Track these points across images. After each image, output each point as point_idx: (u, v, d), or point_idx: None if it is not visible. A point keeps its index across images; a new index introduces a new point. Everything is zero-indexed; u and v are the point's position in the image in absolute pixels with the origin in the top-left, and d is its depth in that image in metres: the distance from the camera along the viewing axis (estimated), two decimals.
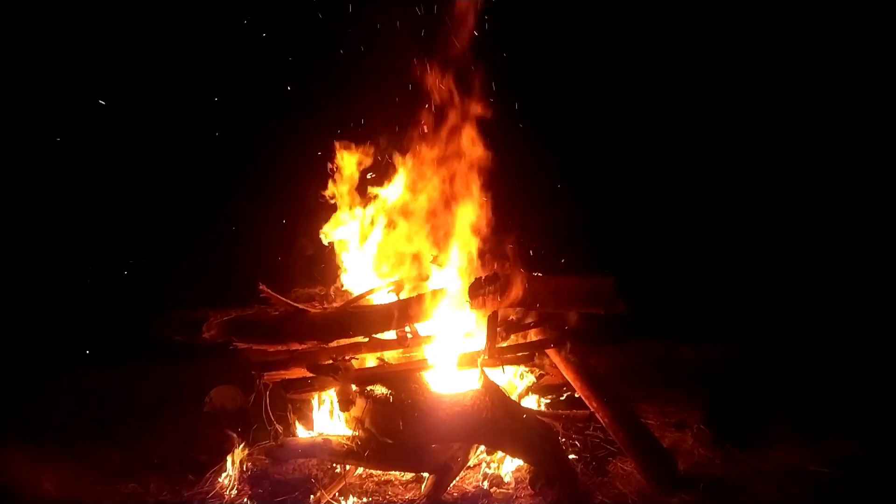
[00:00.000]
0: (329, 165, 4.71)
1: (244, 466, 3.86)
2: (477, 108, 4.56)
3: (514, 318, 4.09)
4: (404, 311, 3.87)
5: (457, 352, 3.89)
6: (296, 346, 3.87)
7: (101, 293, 6.46)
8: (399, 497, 3.74)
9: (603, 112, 7.24)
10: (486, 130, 4.54)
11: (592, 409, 3.85)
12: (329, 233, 4.71)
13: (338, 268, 4.69)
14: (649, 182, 7.28)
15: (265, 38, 6.50)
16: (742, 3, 7.29)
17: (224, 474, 3.85)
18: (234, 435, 4.10)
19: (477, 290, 3.77)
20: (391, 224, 4.62)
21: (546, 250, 4.10)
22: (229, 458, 3.89)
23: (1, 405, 4.80)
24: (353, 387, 3.77)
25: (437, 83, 4.58)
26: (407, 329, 3.98)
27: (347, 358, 3.90)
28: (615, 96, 7.30)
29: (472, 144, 4.48)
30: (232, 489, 3.75)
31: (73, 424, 4.62)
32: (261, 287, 3.86)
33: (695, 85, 7.37)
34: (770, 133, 7.37)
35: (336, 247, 4.72)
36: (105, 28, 6.69)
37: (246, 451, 3.93)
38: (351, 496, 3.71)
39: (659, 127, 7.41)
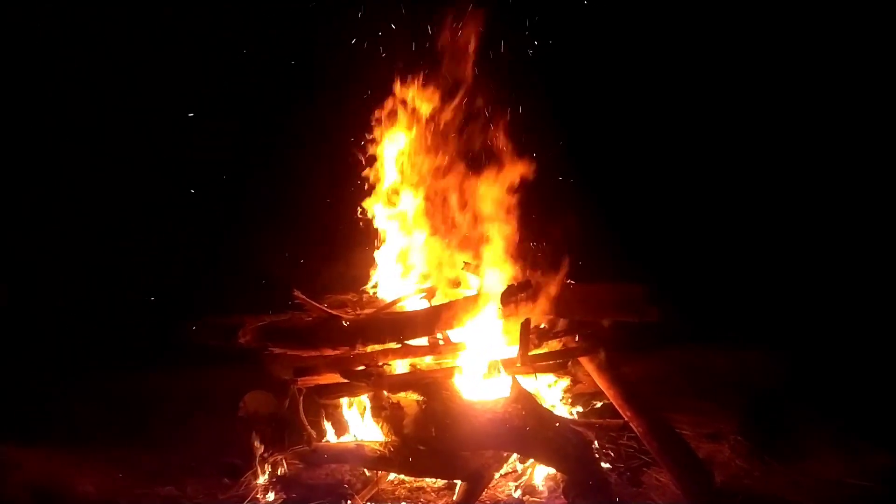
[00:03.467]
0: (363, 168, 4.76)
1: (278, 471, 3.91)
2: (508, 116, 4.57)
3: (545, 325, 4.08)
4: (436, 318, 3.88)
5: (489, 359, 3.89)
6: (329, 352, 3.91)
7: (139, 299, 6.56)
8: None
9: (634, 116, 7.19)
10: (517, 137, 4.54)
11: (626, 419, 3.81)
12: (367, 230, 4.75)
13: (370, 274, 4.73)
14: (683, 187, 7.19)
15: (288, 30, 6.50)
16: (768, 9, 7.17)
17: (258, 479, 3.89)
18: (268, 440, 4.13)
19: (509, 297, 3.79)
20: (423, 231, 4.64)
21: (578, 257, 4.07)
22: (263, 463, 3.93)
23: (44, 409, 4.91)
24: (386, 393, 3.80)
25: (469, 88, 4.60)
26: (439, 335, 3.99)
27: (380, 364, 3.92)
28: (646, 99, 7.24)
29: (503, 152, 4.49)
30: (266, 493, 3.79)
31: (111, 427, 4.70)
32: (295, 293, 3.90)
33: (728, 87, 7.28)
34: (811, 137, 7.22)
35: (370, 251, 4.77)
36: (131, 28, 6.80)
37: (280, 456, 3.97)
38: (383, 502, 3.72)
39: (692, 132, 7.33)
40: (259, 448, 3.95)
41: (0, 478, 3.72)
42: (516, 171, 4.36)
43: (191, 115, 6.67)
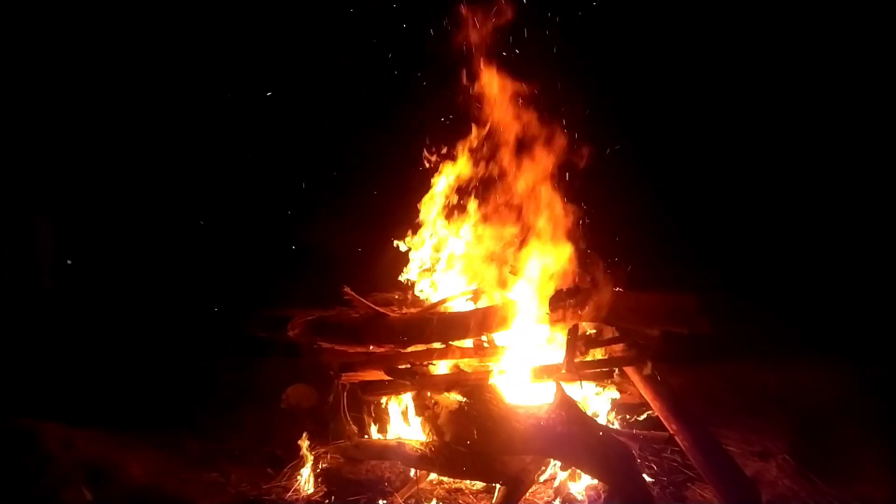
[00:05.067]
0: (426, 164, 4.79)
1: (319, 464, 3.95)
2: (564, 120, 4.54)
3: (592, 333, 4.03)
4: (482, 320, 3.88)
5: (533, 364, 3.87)
6: (374, 349, 3.94)
7: (191, 293, 6.72)
8: None
9: (690, 123, 7.07)
10: (571, 142, 4.50)
11: (672, 432, 3.74)
12: (409, 239, 4.77)
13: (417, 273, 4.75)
14: (736, 199, 7.05)
15: (368, 40, 6.55)
16: None
17: (301, 470, 3.94)
18: (310, 433, 4.18)
19: (557, 303, 3.76)
20: (472, 232, 4.64)
21: (629, 266, 4.02)
22: (305, 455, 3.98)
23: (98, 394, 5.08)
24: (429, 393, 3.81)
25: (525, 93, 4.59)
26: (483, 338, 3.99)
27: (424, 363, 3.93)
28: (699, 106, 7.11)
29: (556, 156, 4.46)
30: (308, 485, 3.84)
31: (160, 414, 4.83)
32: (345, 289, 3.95)
33: (780, 95, 7.11)
34: (870, 147, 7.00)
35: (415, 252, 4.78)
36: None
37: (321, 449, 4.02)
38: (422, 501, 3.73)
39: (745, 145, 7.17)
40: (302, 441, 4.00)
41: (55, 456, 3.85)
42: (572, 176, 4.34)
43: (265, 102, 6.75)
